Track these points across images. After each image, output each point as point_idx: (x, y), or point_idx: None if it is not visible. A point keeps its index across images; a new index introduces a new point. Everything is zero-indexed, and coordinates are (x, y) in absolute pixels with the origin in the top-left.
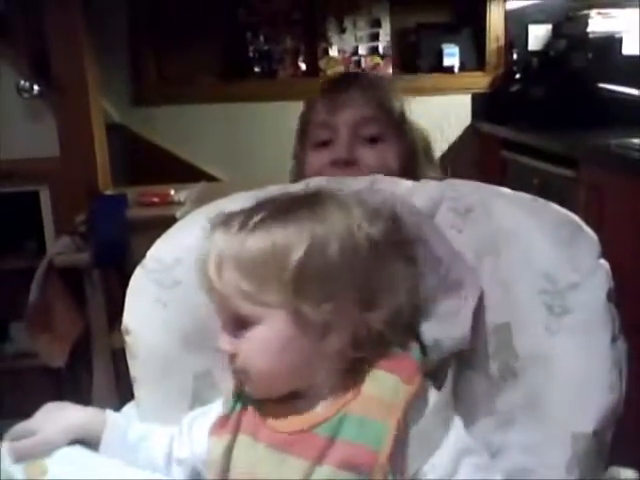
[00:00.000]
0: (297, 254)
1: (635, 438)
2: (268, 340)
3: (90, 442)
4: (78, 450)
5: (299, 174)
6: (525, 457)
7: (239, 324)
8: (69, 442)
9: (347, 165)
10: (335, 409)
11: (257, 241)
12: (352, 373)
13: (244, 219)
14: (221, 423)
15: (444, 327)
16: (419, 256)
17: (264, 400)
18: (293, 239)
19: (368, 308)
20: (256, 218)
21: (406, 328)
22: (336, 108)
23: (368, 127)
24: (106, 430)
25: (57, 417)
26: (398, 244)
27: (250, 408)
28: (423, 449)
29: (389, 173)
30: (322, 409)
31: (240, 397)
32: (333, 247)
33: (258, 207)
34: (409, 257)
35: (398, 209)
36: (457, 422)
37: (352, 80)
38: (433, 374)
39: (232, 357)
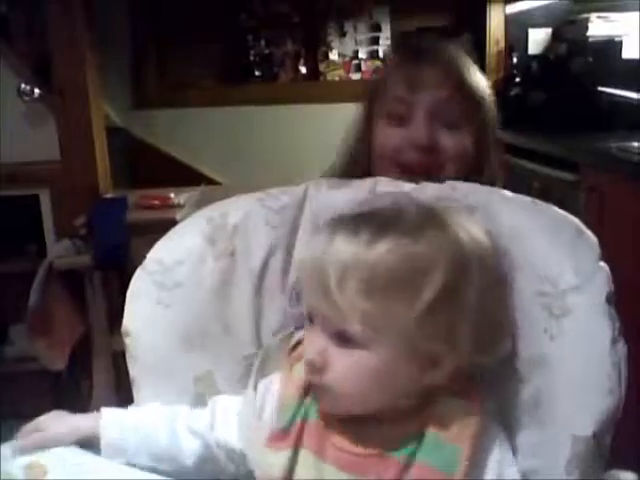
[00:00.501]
0: (435, 283)
1: (635, 440)
2: (370, 368)
3: (95, 441)
4: (78, 452)
5: (362, 148)
6: (526, 458)
7: (339, 339)
8: (73, 443)
9: (424, 149)
10: (409, 432)
11: (392, 259)
12: (427, 394)
13: (375, 229)
14: (278, 436)
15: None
16: None
17: (329, 415)
18: (431, 264)
19: (480, 348)
20: (390, 231)
21: None
22: (416, 84)
23: (448, 111)
24: (102, 425)
25: (64, 417)
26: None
27: (312, 422)
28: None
29: (465, 159)
30: (397, 431)
31: (300, 408)
32: (468, 276)
33: (385, 216)
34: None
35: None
36: (497, 430)
37: (433, 53)
38: None
39: (317, 369)
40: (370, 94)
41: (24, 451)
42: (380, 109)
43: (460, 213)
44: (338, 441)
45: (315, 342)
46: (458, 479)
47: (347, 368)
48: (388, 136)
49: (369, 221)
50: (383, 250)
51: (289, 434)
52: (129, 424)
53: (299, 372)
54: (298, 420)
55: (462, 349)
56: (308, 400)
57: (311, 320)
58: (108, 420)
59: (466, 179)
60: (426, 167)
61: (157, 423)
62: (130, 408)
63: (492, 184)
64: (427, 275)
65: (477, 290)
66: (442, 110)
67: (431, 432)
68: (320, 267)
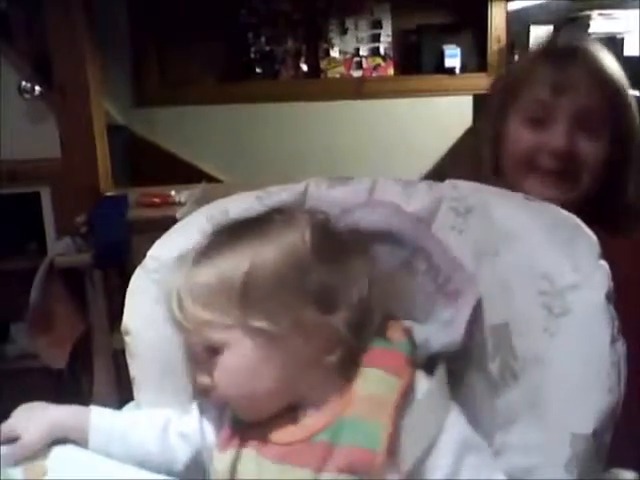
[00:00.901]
0: (239, 275)
1: (634, 439)
2: (238, 364)
3: (75, 440)
4: (77, 450)
5: (491, 149)
6: (524, 458)
7: (211, 354)
8: (53, 440)
9: (562, 157)
10: (331, 415)
11: (205, 272)
12: (342, 375)
13: (196, 254)
14: (227, 438)
15: (437, 332)
16: (419, 265)
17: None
18: (236, 262)
19: (328, 311)
20: (205, 250)
21: (386, 323)
22: (560, 87)
23: (592, 118)
24: (91, 425)
25: (38, 417)
26: (344, 243)
27: (254, 423)
28: (420, 440)
29: (599, 169)
30: (319, 416)
31: None
32: (276, 261)
33: (211, 239)
34: (363, 254)
35: (395, 219)
36: (454, 410)
37: (580, 54)
38: (425, 365)
39: (211, 390)
40: (504, 93)
41: (12, 462)
42: (516, 110)
43: (295, 207)
44: (273, 435)
45: (197, 367)
46: (381, 452)
47: (225, 375)
48: (523, 139)
49: (196, 248)
50: (198, 265)
51: (235, 436)
52: (117, 432)
53: None
54: (243, 422)
55: (308, 319)
56: None
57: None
58: (96, 425)
59: (604, 193)
60: (561, 175)
61: (146, 431)
62: (127, 407)
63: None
64: (233, 272)
65: (296, 267)
66: (585, 116)
67: (352, 412)
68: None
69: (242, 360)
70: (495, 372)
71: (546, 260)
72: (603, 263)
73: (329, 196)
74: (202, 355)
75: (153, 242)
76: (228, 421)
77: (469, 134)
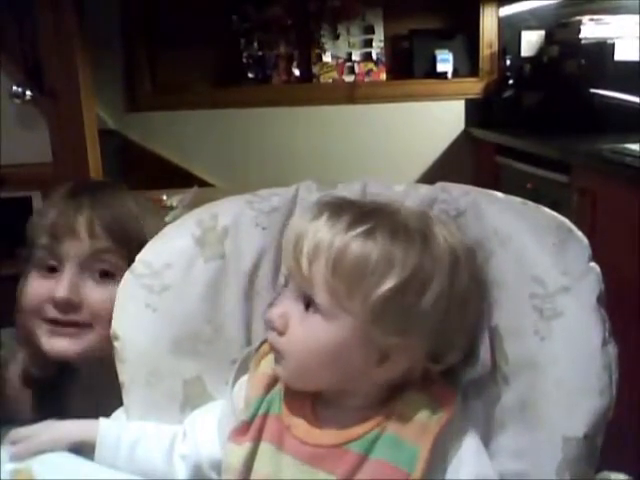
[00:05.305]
0: (392, 281)
1: (626, 441)
2: (326, 338)
3: (88, 452)
4: (65, 456)
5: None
6: (516, 461)
7: (305, 303)
8: (65, 447)
9: (63, 307)
10: (370, 426)
11: (361, 250)
12: (390, 392)
13: (354, 219)
14: (241, 429)
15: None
16: None
17: (291, 408)
18: (396, 263)
19: (435, 360)
20: (368, 224)
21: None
22: (62, 233)
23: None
24: (98, 439)
25: (53, 425)
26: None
27: (274, 415)
28: (444, 463)
29: None
30: (356, 425)
31: (262, 402)
32: (431, 290)
33: (371, 210)
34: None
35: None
36: (474, 438)
37: (87, 201)
38: None
39: (276, 332)
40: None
41: (17, 458)
42: (34, 259)
43: (448, 224)
44: (298, 433)
45: (282, 304)
46: (417, 477)
47: (304, 333)
48: (34, 288)
49: (351, 207)
50: (355, 236)
51: (251, 428)
52: (125, 443)
53: (264, 368)
54: (260, 414)
55: (413, 354)
56: (270, 395)
57: (286, 283)
58: (105, 435)
59: None
60: (67, 325)
61: (154, 447)
62: (116, 413)
63: None
64: (388, 271)
65: (442, 304)
66: (97, 263)
67: (391, 429)
68: (297, 241)
69: (335, 338)
70: (487, 376)
71: (537, 263)
72: (594, 265)
73: None
74: (293, 296)
75: None
76: (242, 413)
77: (461, 138)
